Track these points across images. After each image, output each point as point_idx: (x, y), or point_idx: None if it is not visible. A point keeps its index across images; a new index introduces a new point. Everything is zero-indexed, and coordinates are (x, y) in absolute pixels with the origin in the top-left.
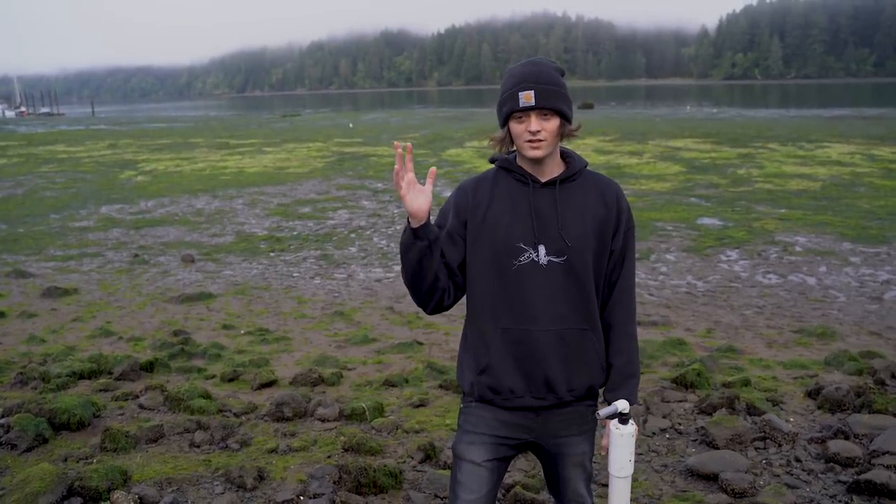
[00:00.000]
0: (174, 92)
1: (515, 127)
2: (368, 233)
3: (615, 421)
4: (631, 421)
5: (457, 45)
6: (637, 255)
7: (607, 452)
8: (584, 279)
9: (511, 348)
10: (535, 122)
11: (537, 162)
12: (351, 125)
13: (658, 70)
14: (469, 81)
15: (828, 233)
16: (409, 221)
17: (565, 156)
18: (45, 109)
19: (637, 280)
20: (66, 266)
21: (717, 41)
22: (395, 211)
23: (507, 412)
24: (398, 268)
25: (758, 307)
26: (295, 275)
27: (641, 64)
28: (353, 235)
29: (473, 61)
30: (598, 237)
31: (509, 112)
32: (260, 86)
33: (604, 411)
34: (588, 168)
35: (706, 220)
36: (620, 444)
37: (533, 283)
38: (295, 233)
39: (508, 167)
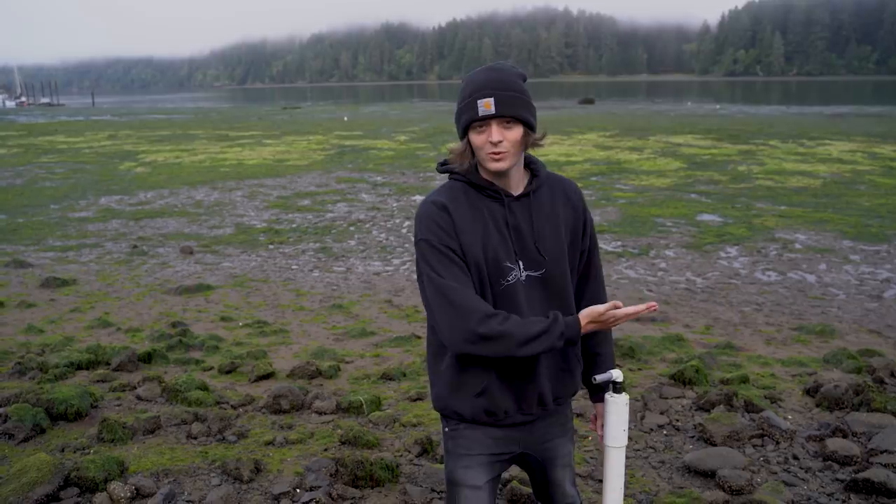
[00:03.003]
0: (174, 83)
1: (476, 138)
2: (367, 226)
3: (610, 391)
4: (624, 392)
5: (458, 39)
6: (636, 251)
7: (602, 425)
8: (561, 288)
9: (505, 369)
10: (496, 132)
11: (503, 174)
12: (346, 118)
13: (659, 66)
14: None
15: (828, 230)
16: (565, 337)
17: (529, 162)
18: (45, 100)
19: (636, 276)
20: (65, 256)
21: (719, 37)
22: (395, 205)
23: (497, 429)
24: (397, 261)
25: (757, 304)
26: (293, 267)
27: (643, 59)
28: (352, 228)
29: (474, 55)
30: (572, 242)
31: (468, 122)
32: (260, 78)
33: (600, 377)
34: (546, 168)
35: (706, 217)
36: (615, 412)
37: (518, 301)
38: (294, 225)
39: (476, 182)
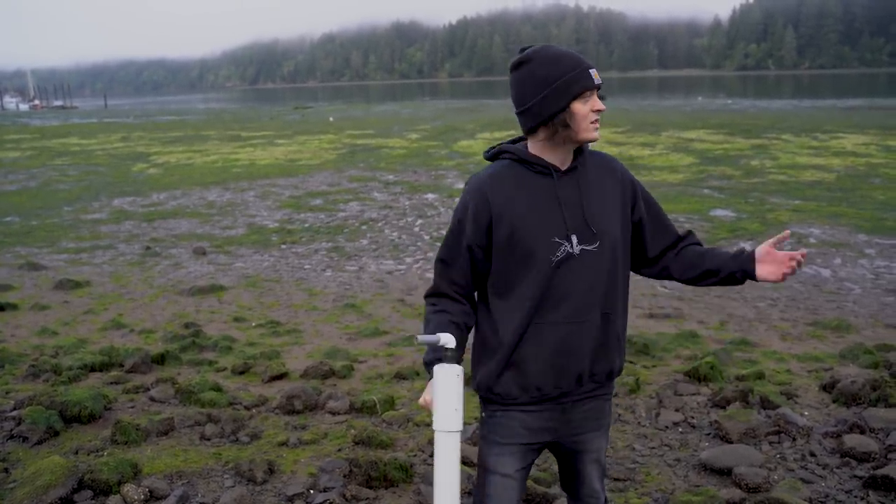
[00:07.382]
0: (186, 84)
1: (580, 108)
2: (380, 225)
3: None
4: (458, 364)
5: (468, 37)
6: None
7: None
8: (614, 263)
9: (548, 343)
10: (598, 101)
11: (552, 150)
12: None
13: (671, 61)
14: (480, 73)
15: (842, 224)
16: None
17: None
18: (58, 102)
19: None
20: (79, 258)
21: (731, 31)
22: (407, 203)
23: (531, 416)
24: (409, 260)
25: (771, 299)
26: (306, 267)
27: (654, 55)
28: (364, 227)
29: (485, 53)
30: (622, 215)
31: (583, 89)
32: (272, 78)
33: (421, 338)
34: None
35: (719, 212)
36: (444, 387)
37: (571, 275)
38: (306, 225)
39: (527, 159)
